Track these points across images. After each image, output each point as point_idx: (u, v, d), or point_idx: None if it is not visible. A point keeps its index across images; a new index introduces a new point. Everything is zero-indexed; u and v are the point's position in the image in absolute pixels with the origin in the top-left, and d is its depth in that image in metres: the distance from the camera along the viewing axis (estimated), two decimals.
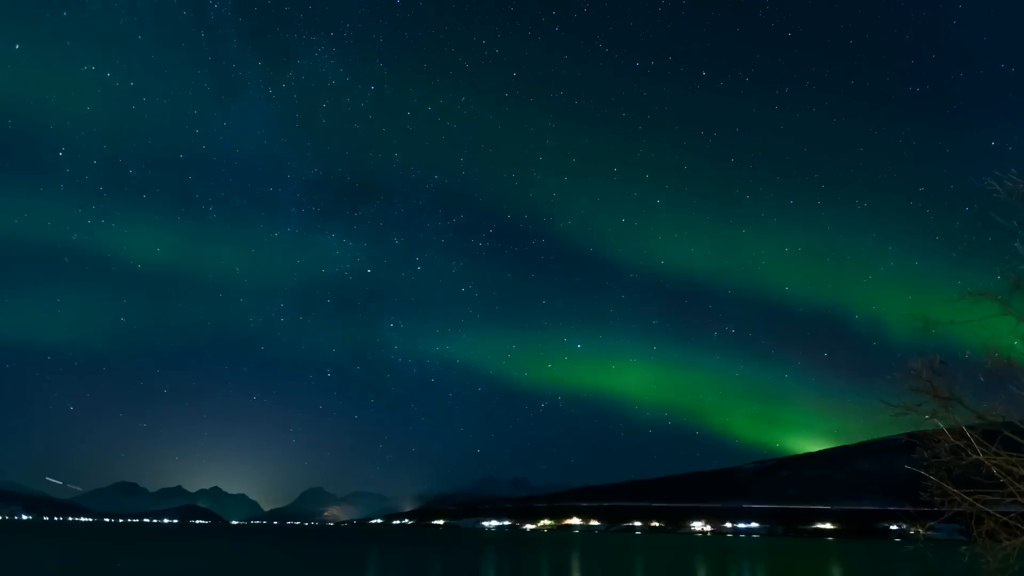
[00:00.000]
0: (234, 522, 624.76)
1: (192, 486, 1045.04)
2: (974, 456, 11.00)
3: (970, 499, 11.10)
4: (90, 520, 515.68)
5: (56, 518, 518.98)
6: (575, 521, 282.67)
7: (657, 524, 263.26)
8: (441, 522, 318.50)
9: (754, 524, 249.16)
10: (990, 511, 11.08)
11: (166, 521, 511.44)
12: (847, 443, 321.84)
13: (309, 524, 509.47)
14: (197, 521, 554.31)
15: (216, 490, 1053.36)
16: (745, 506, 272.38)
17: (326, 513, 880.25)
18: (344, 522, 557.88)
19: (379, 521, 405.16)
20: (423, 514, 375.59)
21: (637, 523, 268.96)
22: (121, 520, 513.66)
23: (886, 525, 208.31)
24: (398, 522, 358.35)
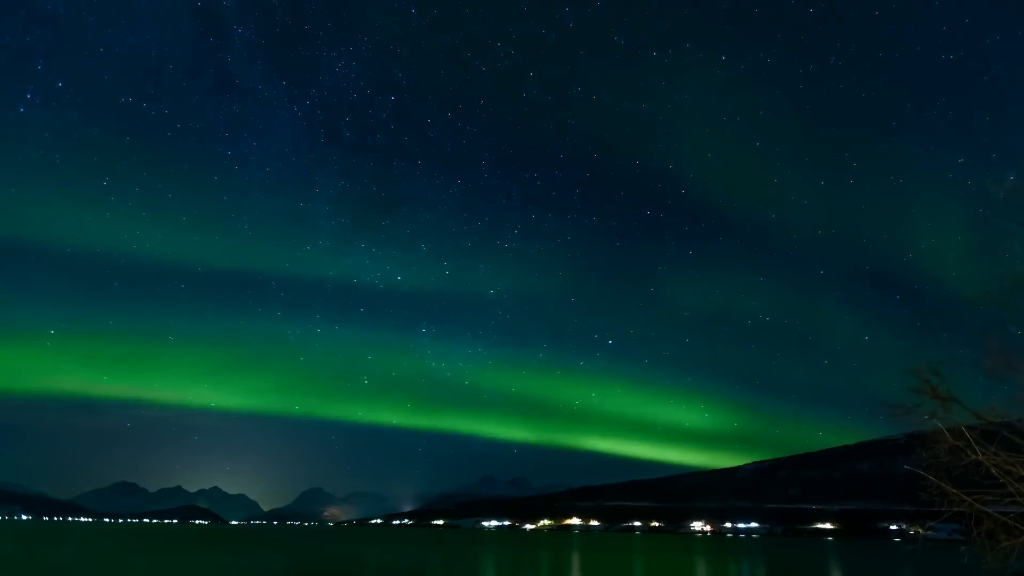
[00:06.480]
0: (234, 522, 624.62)
1: (192, 486, 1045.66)
2: (973, 456, 11.01)
3: (969, 499, 11.10)
4: (90, 520, 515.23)
5: (56, 518, 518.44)
6: (575, 521, 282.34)
7: (657, 524, 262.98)
8: (441, 522, 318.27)
9: (754, 524, 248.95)
10: (989, 511, 11.09)
11: (166, 521, 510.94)
12: (847, 443, 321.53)
13: (309, 524, 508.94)
14: (197, 521, 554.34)
15: (216, 490, 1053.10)
16: (745, 506, 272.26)
17: (326, 513, 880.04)
18: (344, 522, 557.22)
19: (379, 521, 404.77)
20: (423, 514, 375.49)
21: (637, 523, 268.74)
22: (121, 520, 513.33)
23: (886, 525, 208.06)
24: (398, 522, 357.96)
